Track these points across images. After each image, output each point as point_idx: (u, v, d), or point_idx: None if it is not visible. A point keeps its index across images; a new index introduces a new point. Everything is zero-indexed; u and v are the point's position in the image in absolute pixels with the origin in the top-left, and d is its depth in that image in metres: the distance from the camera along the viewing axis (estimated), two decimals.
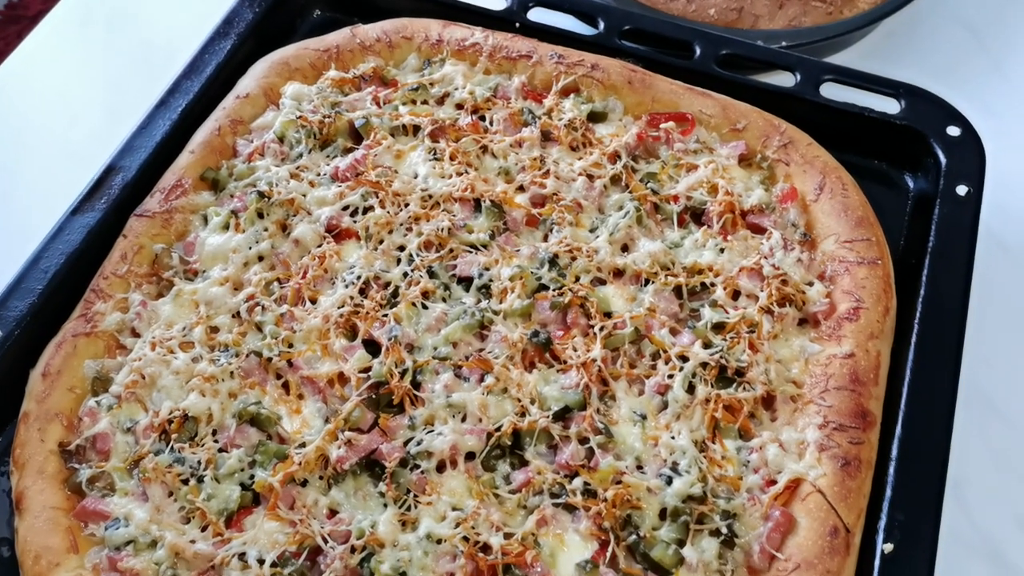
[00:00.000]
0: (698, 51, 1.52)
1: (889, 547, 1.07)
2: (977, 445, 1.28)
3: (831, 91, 1.50)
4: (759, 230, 1.36)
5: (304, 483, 1.13)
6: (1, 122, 1.68)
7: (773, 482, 1.13)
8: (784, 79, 1.52)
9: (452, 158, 1.40)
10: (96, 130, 1.62)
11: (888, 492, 1.11)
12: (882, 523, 1.09)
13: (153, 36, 1.81)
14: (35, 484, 1.12)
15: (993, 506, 1.24)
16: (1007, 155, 1.51)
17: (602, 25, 1.56)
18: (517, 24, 1.57)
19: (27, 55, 1.77)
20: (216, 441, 1.16)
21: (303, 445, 1.15)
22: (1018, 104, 1.67)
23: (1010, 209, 1.51)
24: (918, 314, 1.25)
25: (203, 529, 1.09)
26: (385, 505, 1.11)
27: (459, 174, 1.38)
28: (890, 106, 1.48)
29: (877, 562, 1.06)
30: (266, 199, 1.34)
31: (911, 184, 1.47)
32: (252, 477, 1.13)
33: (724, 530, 1.08)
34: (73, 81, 1.75)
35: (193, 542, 1.08)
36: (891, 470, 1.12)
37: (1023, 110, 1.66)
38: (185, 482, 1.12)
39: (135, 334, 1.25)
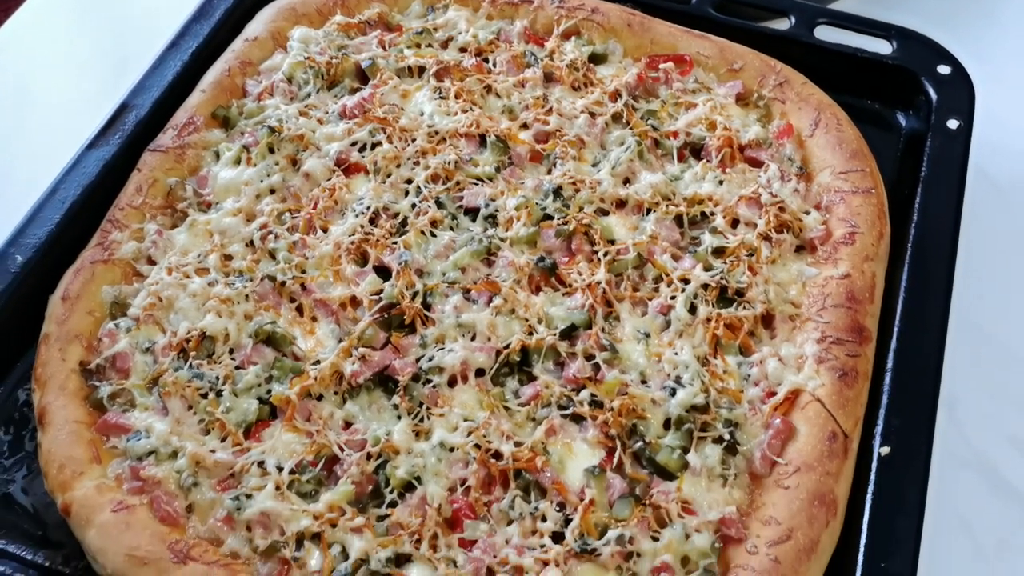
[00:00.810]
0: None
1: (886, 450, 1.11)
2: (968, 369, 1.32)
3: (825, 34, 1.54)
4: (756, 164, 1.41)
5: (319, 398, 1.16)
6: (8, 75, 1.70)
7: (773, 394, 1.17)
8: (779, 24, 1.57)
9: (457, 97, 1.44)
10: (104, 82, 1.64)
11: (884, 400, 1.15)
12: (879, 428, 1.13)
13: None
14: (57, 400, 1.15)
15: (985, 426, 1.28)
16: (996, 97, 1.56)
17: None
18: None
19: (34, 9, 1.80)
20: (233, 359, 1.19)
21: (318, 362, 1.18)
22: (1008, 48, 1.72)
23: (999, 148, 1.56)
24: (911, 237, 1.29)
25: (222, 440, 1.13)
26: (399, 417, 1.15)
27: (464, 112, 1.42)
28: (882, 48, 1.52)
29: (874, 465, 1.10)
30: (276, 134, 1.37)
31: (903, 123, 1.52)
32: (269, 392, 1.16)
33: (727, 437, 1.12)
34: (79, 34, 1.77)
35: (213, 452, 1.11)
36: (887, 380, 1.17)
37: (1013, 54, 1.71)
38: (204, 396, 1.15)
39: (151, 262, 1.28)
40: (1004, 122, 1.57)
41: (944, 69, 1.48)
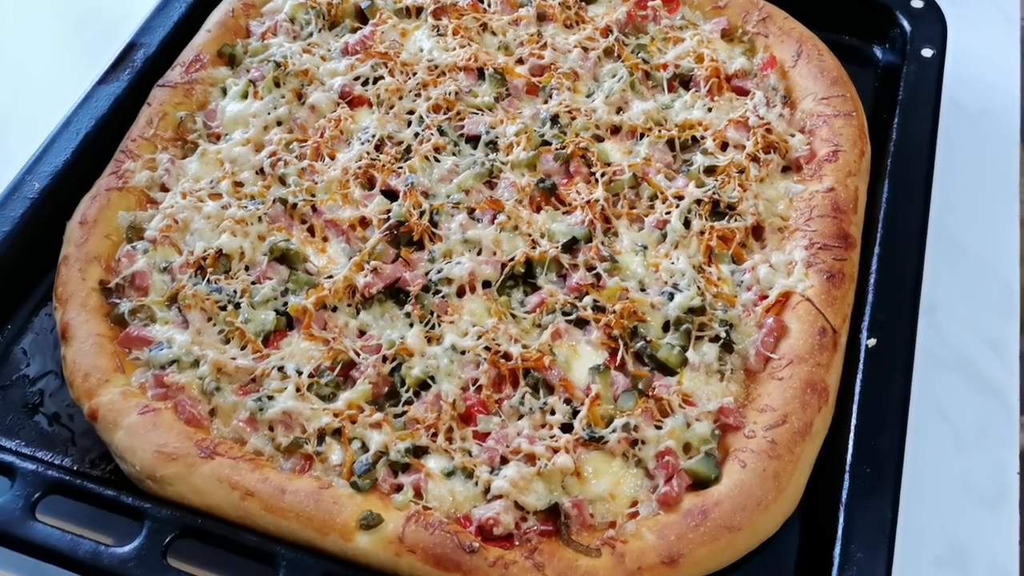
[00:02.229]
0: None
1: (872, 342, 1.18)
2: (947, 278, 1.40)
3: None
4: (743, 92, 1.47)
5: (334, 309, 1.21)
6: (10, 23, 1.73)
7: (765, 297, 1.23)
8: None
9: (455, 34, 1.49)
10: (105, 30, 1.68)
11: (870, 298, 1.22)
12: (865, 323, 1.20)
13: None
14: (79, 316, 1.19)
15: (963, 329, 1.36)
16: (964, 34, 1.64)
17: None
18: None
19: None
20: (249, 275, 1.24)
21: (331, 277, 1.23)
22: None
23: (969, 80, 1.63)
24: (891, 153, 1.36)
25: (242, 348, 1.17)
26: (411, 325, 1.20)
27: (462, 47, 1.48)
28: None
29: (862, 355, 1.17)
30: (282, 69, 1.42)
31: (879, 56, 1.59)
32: (285, 304, 1.21)
33: (723, 335, 1.19)
34: None
35: (234, 359, 1.16)
36: (872, 281, 1.24)
37: None
38: (223, 308, 1.20)
39: (164, 189, 1.33)
40: (972, 56, 1.65)
41: (917, 3, 1.55)
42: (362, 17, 1.54)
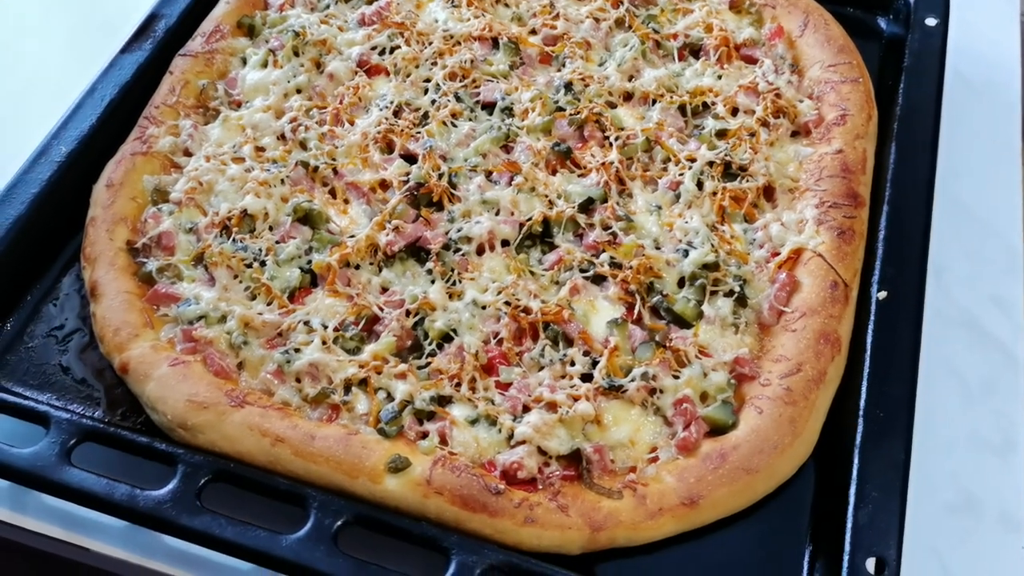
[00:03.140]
0: None
1: (883, 294, 1.21)
2: (952, 240, 1.43)
3: None
4: (751, 61, 1.50)
5: (357, 267, 1.24)
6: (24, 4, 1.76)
7: (777, 254, 1.26)
8: None
9: (468, 5, 1.52)
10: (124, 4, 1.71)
11: (880, 253, 1.25)
12: (875, 278, 1.23)
13: None
14: (107, 274, 1.21)
15: (969, 287, 1.39)
16: (968, 5, 1.68)
17: None
18: None
19: None
20: (273, 235, 1.26)
21: (353, 237, 1.26)
22: None
23: (972, 52, 1.67)
24: (897, 117, 1.40)
25: (268, 304, 1.20)
26: (432, 281, 1.23)
27: (476, 18, 1.51)
28: None
29: (873, 307, 1.20)
30: (301, 38, 1.45)
31: (884, 27, 1.62)
32: (309, 262, 1.23)
33: (737, 289, 1.22)
34: None
35: (260, 314, 1.18)
36: (881, 237, 1.27)
37: None
38: (248, 266, 1.22)
39: (187, 154, 1.35)
40: (973, 29, 1.69)
41: None
42: None
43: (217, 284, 1.21)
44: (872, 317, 1.19)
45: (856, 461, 1.07)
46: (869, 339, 1.17)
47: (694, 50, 1.52)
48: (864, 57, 1.52)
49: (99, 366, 1.19)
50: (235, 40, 1.47)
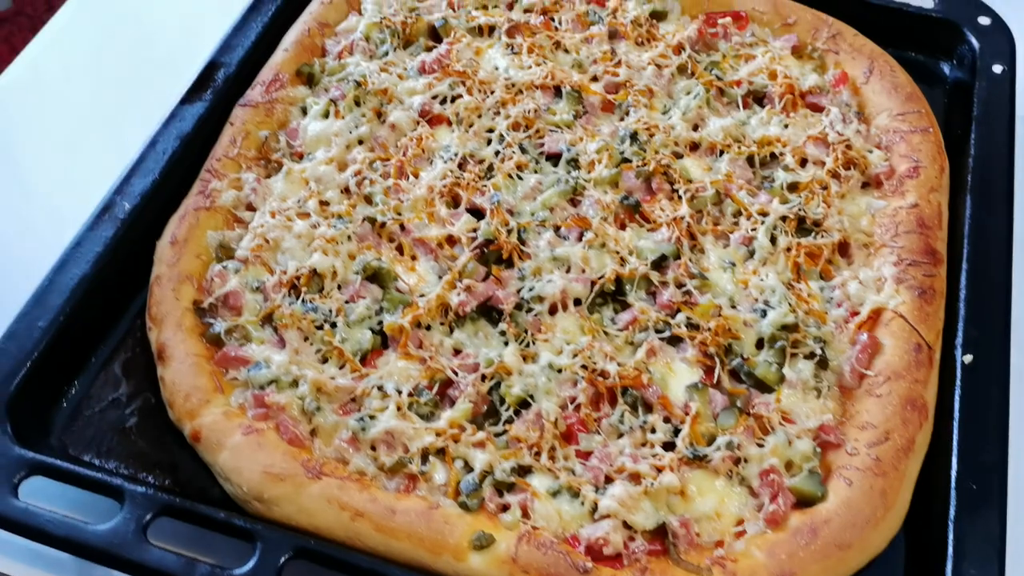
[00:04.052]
0: None
1: (969, 358, 1.18)
2: None
3: None
4: (817, 109, 1.48)
5: (428, 328, 1.21)
6: (79, 46, 1.74)
7: (856, 313, 1.24)
8: None
9: (529, 52, 1.50)
10: (177, 47, 1.69)
11: (962, 314, 1.22)
12: (959, 340, 1.20)
13: None
14: (175, 336, 1.19)
15: None
16: None
17: None
18: None
19: None
20: (342, 295, 1.24)
21: (423, 296, 1.23)
22: None
23: None
24: (970, 170, 1.37)
25: (340, 367, 1.17)
26: (506, 343, 1.20)
27: (537, 65, 1.48)
28: (924, 2, 1.61)
29: (959, 372, 1.17)
30: (362, 88, 1.43)
31: (947, 72, 1.60)
32: (380, 323, 1.21)
33: (818, 352, 1.19)
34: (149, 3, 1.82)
35: (333, 378, 1.16)
36: (962, 297, 1.24)
37: None
38: (319, 328, 1.20)
39: (250, 208, 1.33)
40: None
41: (984, 20, 1.56)
42: (435, 36, 1.55)
43: (288, 346, 1.19)
44: (958, 382, 1.16)
45: (951, 535, 1.05)
46: (956, 405, 1.15)
47: (758, 97, 1.50)
48: (929, 102, 1.50)
49: (168, 432, 1.16)
50: (295, 89, 1.45)
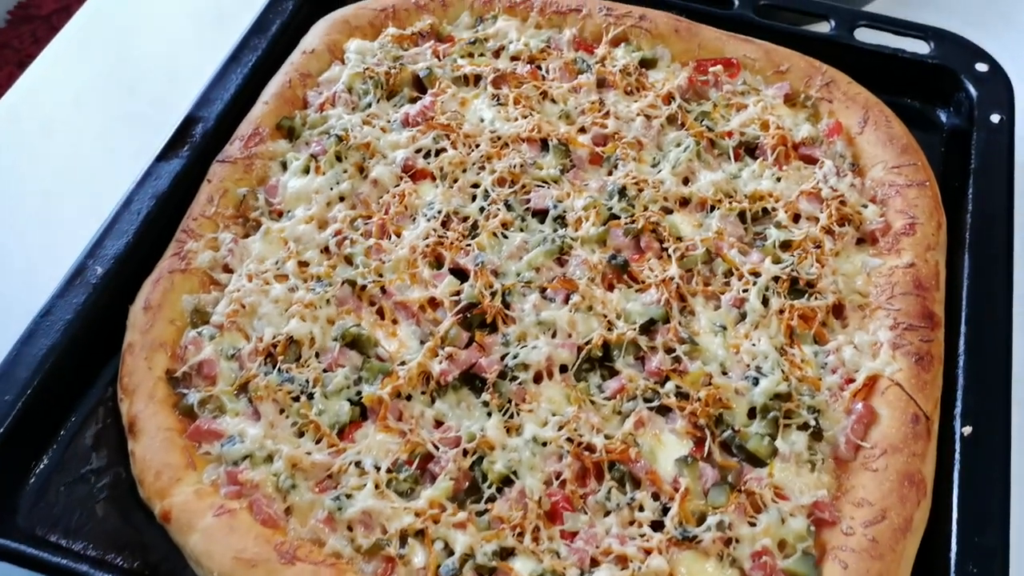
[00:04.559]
0: (737, 1, 1.61)
1: (968, 430, 1.14)
2: None
3: (864, 36, 1.59)
4: (811, 161, 1.44)
5: (408, 398, 1.17)
6: (58, 94, 1.70)
7: (851, 380, 1.20)
8: (820, 27, 1.62)
9: (515, 103, 1.47)
10: (159, 96, 1.65)
11: (960, 381, 1.18)
12: (958, 410, 1.16)
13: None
14: (147, 408, 1.15)
15: None
16: None
17: None
18: None
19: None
20: (320, 363, 1.20)
21: (404, 363, 1.20)
22: None
23: None
24: (968, 225, 1.33)
25: (317, 442, 1.13)
26: (489, 414, 1.16)
27: (524, 117, 1.45)
28: (920, 48, 1.58)
29: (958, 445, 1.13)
30: (343, 143, 1.39)
31: (944, 119, 1.56)
32: (359, 393, 1.17)
33: (812, 423, 1.15)
34: (131, 51, 1.78)
35: (309, 453, 1.12)
36: (960, 363, 1.20)
37: None
38: (295, 399, 1.16)
39: (227, 270, 1.29)
40: None
41: (982, 67, 1.53)
42: (420, 86, 1.51)
43: (263, 419, 1.15)
44: (957, 456, 1.12)
45: None
46: (956, 481, 1.10)
47: (750, 148, 1.46)
48: (924, 149, 1.46)
49: (139, 508, 1.12)
50: (275, 143, 1.42)
